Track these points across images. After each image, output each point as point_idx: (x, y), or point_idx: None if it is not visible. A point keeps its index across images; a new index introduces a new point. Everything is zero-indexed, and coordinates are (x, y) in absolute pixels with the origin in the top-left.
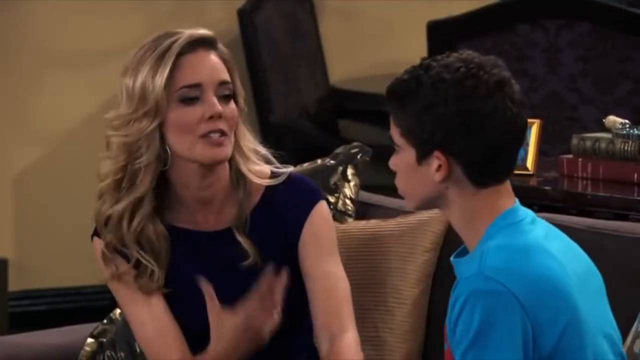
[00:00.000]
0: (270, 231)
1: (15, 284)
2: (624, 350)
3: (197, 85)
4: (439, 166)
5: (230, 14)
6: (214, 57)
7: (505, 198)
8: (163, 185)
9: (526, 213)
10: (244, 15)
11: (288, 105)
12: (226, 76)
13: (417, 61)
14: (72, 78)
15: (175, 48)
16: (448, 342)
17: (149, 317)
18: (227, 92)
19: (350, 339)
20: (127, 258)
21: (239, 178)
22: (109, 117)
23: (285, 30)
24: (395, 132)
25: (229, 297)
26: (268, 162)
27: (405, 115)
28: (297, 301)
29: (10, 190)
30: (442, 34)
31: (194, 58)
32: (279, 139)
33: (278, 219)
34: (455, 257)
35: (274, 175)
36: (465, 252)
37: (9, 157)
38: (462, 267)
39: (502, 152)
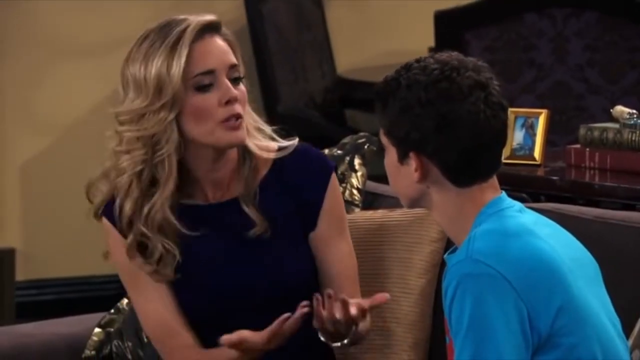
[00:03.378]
0: (283, 200)
1: (22, 274)
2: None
3: (211, 72)
4: (417, 167)
5: (237, 2)
6: (220, 42)
7: (490, 192)
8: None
9: (513, 202)
10: (251, 4)
11: (295, 95)
12: (235, 59)
13: (424, 51)
14: (78, 68)
15: (188, 37)
16: (450, 335)
17: (156, 304)
18: (237, 75)
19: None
20: (148, 248)
21: (245, 154)
22: (118, 111)
23: (292, 19)
24: (381, 132)
25: (236, 263)
26: (272, 139)
27: (386, 115)
28: (309, 266)
29: (17, 180)
30: (449, 24)
31: (203, 45)
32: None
33: (291, 188)
34: (448, 254)
35: (280, 149)
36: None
37: (16, 148)
38: (453, 260)
39: (478, 153)
